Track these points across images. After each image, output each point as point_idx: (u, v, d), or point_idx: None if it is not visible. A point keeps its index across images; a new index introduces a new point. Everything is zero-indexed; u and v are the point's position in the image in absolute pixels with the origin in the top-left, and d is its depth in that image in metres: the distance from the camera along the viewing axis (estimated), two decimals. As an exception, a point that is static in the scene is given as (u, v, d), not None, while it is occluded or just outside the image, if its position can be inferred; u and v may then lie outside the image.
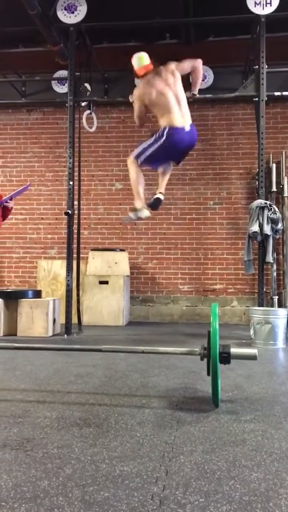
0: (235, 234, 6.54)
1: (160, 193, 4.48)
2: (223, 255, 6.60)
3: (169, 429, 2.00)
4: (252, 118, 6.12)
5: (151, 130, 4.60)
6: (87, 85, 5.49)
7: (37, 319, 4.94)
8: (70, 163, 5.21)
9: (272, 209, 4.83)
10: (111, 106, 6.79)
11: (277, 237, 5.13)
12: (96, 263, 6.07)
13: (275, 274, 6.25)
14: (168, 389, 2.71)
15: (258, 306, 4.92)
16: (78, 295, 5.34)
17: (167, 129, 4.03)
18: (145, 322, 6.46)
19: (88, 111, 5.63)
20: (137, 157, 4.20)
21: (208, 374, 2.28)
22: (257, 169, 5.19)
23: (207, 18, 5.62)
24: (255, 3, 4.99)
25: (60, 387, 2.74)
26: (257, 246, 5.03)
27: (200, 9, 5.59)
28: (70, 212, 5.13)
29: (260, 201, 4.87)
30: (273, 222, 4.82)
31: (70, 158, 5.22)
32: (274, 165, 6.38)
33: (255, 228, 4.80)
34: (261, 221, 4.79)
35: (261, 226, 4.78)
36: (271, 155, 6.38)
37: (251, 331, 4.48)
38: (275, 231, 4.87)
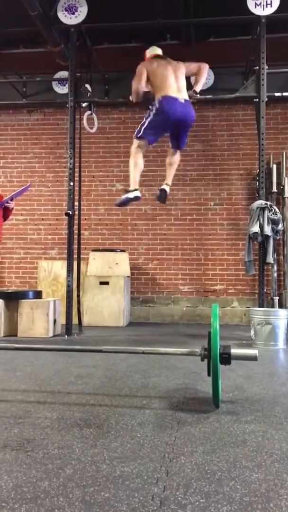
0: (236, 235, 6.54)
1: (166, 184, 4.54)
2: (224, 255, 6.59)
3: (170, 430, 2.00)
4: (253, 119, 6.13)
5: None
6: (87, 86, 5.48)
7: (38, 320, 4.94)
8: (70, 163, 5.21)
9: (273, 210, 4.82)
10: (111, 107, 6.79)
11: (278, 238, 5.13)
12: (96, 264, 6.07)
13: (275, 275, 6.25)
14: (169, 389, 2.71)
15: (259, 306, 4.92)
16: (78, 295, 5.34)
17: (160, 98, 4.21)
18: (145, 323, 6.46)
19: (89, 112, 5.62)
20: (138, 133, 4.29)
21: (209, 374, 2.28)
22: (258, 170, 5.19)
23: (208, 19, 5.64)
24: (256, 4, 4.99)
25: (61, 387, 2.74)
26: (258, 247, 5.03)
27: (200, 10, 5.60)
28: (70, 212, 5.13)
29: (260, 202, 4.87)
30: (274, 223, 4.82)
31: (70, 158, 5.22)
32: (274, 166, 6.38)
33: (256, 229, 4.79)
34: (261, 222, 4.79)
35: (261, 227, 4.78)
36: (271, 156, 6.38)
37: (252, 332, 4.49)
38: (275, 232, 4.87)
